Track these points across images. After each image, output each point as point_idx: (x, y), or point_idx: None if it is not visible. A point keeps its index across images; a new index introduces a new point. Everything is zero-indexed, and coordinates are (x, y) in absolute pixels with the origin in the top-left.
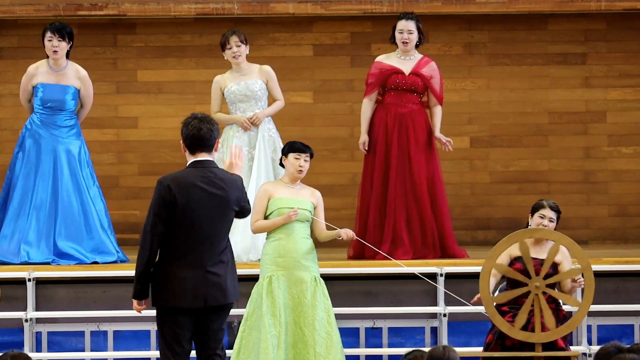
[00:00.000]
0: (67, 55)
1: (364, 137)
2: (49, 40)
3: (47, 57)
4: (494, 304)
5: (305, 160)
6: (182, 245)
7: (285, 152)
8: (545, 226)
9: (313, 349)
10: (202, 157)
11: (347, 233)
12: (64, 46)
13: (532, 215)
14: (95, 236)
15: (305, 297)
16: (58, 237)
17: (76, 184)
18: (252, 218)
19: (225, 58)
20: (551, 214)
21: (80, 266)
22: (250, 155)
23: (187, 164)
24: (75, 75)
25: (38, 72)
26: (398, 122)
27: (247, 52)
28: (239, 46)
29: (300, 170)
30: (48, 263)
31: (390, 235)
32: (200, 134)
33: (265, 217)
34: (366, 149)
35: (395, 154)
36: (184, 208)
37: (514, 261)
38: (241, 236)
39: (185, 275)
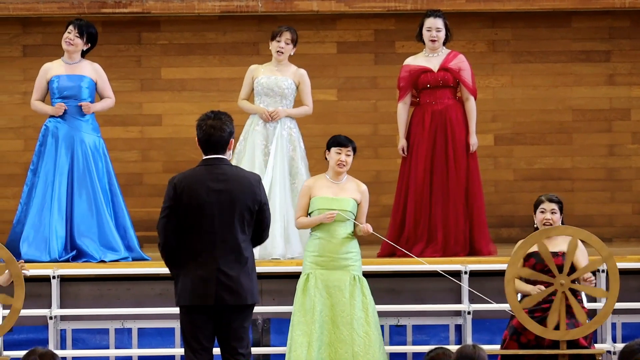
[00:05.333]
0: (83, 56)
1: (402, 142)
2: (68, 32)
3: (64, 54)
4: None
5: (347, 155)
6: (195, 243)
7: (328, 145)
8: (549, 219)
9: (351, 348)
10: (214, 155)
11: (363, 228)
12: (78, 42)
13: (535, 213)
14: (105, 233)
15: (343, 296)
16: (75, 233)
17: (90, 179)
18: (295, 214)
19: (269, 48)
20: (552, 206)
21: (104, 264)
22: (266, 149)
23: (199, 162)
24: (90, 67)
25: (53, 67)
26: (436, 120)
27: (292, 54)
28: (288, 44)
29: (340, 165)
30: (68, 260)
31: (426, 234)
32: (211, 139)
33: (308, 214)
34: (405, 153)
35: (437, 153)
36: (191, 206)
37: (527, 257)
38: (279, 235)
39: (197, 273)
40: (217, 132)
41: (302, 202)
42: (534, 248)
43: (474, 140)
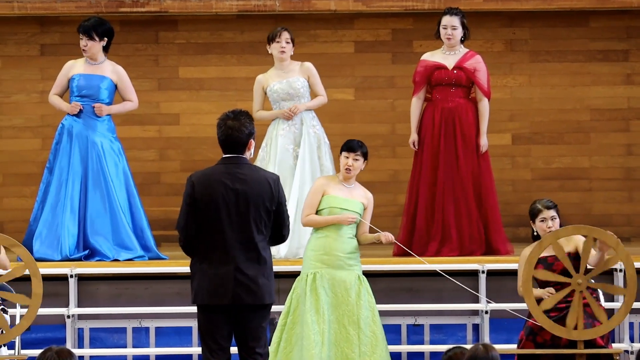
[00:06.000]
0: (107, 50)
1: (413, 136)
2: (80, 39)
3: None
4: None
5: (354, 159)
6: (211, 242)
7: (340, 150)
8: (551, 227)
9: (358, 348)
10: (233, 154)
11: (386, 237)
12: (92, 45)
13: (534, 222)
14: (119, 232)
15: (349, 296)
16: (88, 232)
17: (103, 179)
18: (303, 211)
19: (269, 52)
20: (551, 213)
21: (122, 262)
22: (295, 153)
23: (218, 160)
24: (111, 69)
25: (76, 65)
26: (445, 118)
27: (292, 53)
28: (288, 43)
29: (347, 169)
30: (80, 259)
31: (440, 232)
32: (230, 139)
33: (317, 212)
34: (416, 147)
35: (443, 150)
36: (207, 204)
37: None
38: (293, 237)
39: (213, 272)
40: (235, 133)
41: (314, 199)
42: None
43: (484, 141)
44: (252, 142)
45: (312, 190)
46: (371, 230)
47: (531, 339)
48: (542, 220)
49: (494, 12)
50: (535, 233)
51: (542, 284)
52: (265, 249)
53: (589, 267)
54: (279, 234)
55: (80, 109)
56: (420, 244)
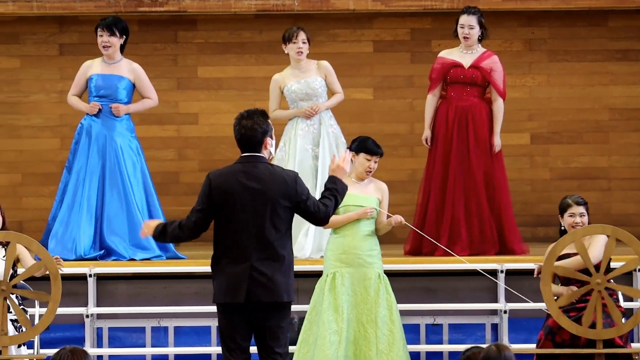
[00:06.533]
0: (122, 50)
1: (426, 133)
2: (100, 36)
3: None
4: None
5: (375, 162)
6: (229, 240)
7: (356, 149)
8: (578, 223)
9: (375, 346)
10: (250, 153)
11: (396, 219)
12: (114, 41)
13: (562, 216)
14: (136, 232)
15: (368, 294)
16: (105, 232)
17: (121, 178)
18: None
19: (285, 52)
20: (580, 209)
21: (141, 262)
22: (314, 153)
23: (237, 159)
24: (128, 68)
25: (93, 65)
26: (458, 116)
27: (308, 52)
28: (305, 43)
29: (369, 172)
30: (95, 259)
31: (448, 230)
32: (244, 139)
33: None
34: (429, 144)
35: (455, 148)
36: (224, 202)
37: (559, 258)
38: (313, 234)
39: (230, 270)
40: (249, 132)
41: None
42: (564, 251)
43: (497, 142)
44: (269, 140)
45: None
46: (387, 218)
47: (550, 338)
48: (571, 216)
49: (513, 11)
50: (562, 228)
51: (564, 282)
52: (283, 247)
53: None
54: (317, 222)
55: (99, 109)
56: (430, 242)
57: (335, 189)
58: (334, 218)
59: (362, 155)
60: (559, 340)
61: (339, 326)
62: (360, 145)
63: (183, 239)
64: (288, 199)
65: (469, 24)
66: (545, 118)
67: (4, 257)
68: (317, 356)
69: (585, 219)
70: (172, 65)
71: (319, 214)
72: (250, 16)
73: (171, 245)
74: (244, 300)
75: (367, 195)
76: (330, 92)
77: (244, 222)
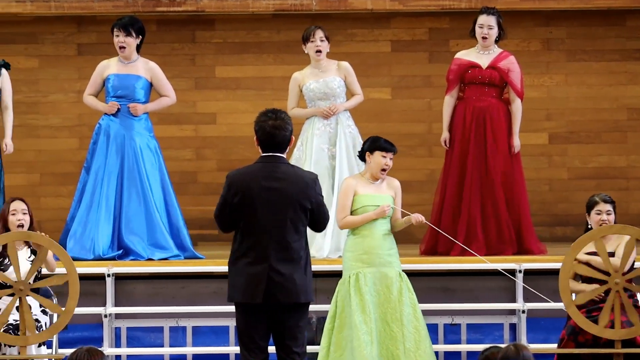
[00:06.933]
0: (139, 50)
1: (445, 134)
2: (116, 36)
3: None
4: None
5: (390, 159)
6: (247, 240)
7: (369, 148)
8: (605, 220)
9: (402, 345)
10: (272, 153)
11: (416, 218)
12: (130, 41)
13: (589, 214)
14: (154, 232)
15: (391, 294)
16: (123, 231)
17: (139, 177)
18: (338, 214)
19: (305, 52)
20: (607, 207)
21: (159, 262)
22: (330, 153)
23: (257, 159)
24: (144, 67)
25: (109, 65)
26: (476, 116)
27: (328, 50)
28: (323, 41)
29: (384, 170)
30: (114, 258)
31: (464, 230)
32: (275, 140)
33: (350, 213)
34: (447, 145)
35: (472, 149)
36: (244, 202)
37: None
38: (331, 234)
39: (248, 270)
40: (280, 132)
41: (347, 200)
42: (592, 248)
43: (517, 142)
44: (293, 139)
45: (343, 191)
46: (403, 215)
47: (572, 338)
48: (598, 213)
49: (531, 11)
50: (589, 226)
51: (585, 281)
52: (301, 247)
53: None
54: (320, 229)
55: (117, 108)
56: (446, 242)
57: None
58: (351, 219)
59: (377, 153)
60: (582, 340)
61: (369, 326)
62: (374, 144)
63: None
64: (308, 200)
65: (488, 24)
66: (563, 118)
67: (29, 257)
68: (356, 357)
69: (612, 217)
70: (190, 65)
71: (325, 221)
72: (268, 16)
73: (189, 245)
74: (262, 300)
75: (381, 194)
76: (350, 93)
77: (263, 222)
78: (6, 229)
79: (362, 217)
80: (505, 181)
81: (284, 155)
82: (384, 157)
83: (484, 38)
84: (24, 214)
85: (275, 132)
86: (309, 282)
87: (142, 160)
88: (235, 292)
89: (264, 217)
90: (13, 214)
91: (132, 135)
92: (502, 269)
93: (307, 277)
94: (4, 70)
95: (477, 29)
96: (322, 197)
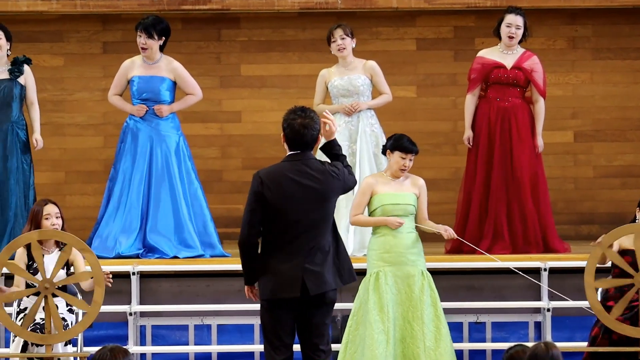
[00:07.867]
0: (162, 49)
1: (468, 133)
2: (139, 37)
3: None
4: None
5: (410, 160)
6: (279, 237)
7: (391, 146)
8: None
9: (423, 343)
10: (302, 150)
11: (447, 232)
12: (152, 44)
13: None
14: (181, 231)
15: (413, 292)
16: (148, 231)
17: (169, 178)
18: (352, 210)
19: (332, 52)
20: None
21: (183, 260)
22: (351, 150)
23: (284, 157)
24: (167, 67)
25: (133, 66)
26: (501, 117)
27: (354, 46)
28: (344, 39)
29: (403, 170)
30: (137, 256)
31: (492, 230)
32: (304, 139)
33: (370, 213)
34: (470, 144)
35: (497, 149)
36: (275, 200)
37: (621, 253)
38: (354, 231)
39: (282, 267)
40: (309, 131)
41: (363, 199)
42: (630, 245)
43: (540, 142)
44: (320, 139)
45: (361, 190)
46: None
47: (607, 337)
48: None
49: (556, 9)
50: (638, 220)
51: (617, 274)
52: (331, 239)
53: None
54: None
55: (146, 110)
56: (472, 242)
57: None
58: (360, 218)
59: (396, 153)
60: (615, 338)
61: (385, 325)
62: (395, 143)
63: (250, 245)
64: (342, 190)
65: (516, 23)
66: (588, 116)
67: None
68: (366, 356)
69: None
70: (216, 63)
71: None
72: (293, 14)
73: (217, 243)
74: (300, 293)
75: (403, 193)
76: (377, 92)
77: (296, 219)
78: None
79: (373, 220)
80: (532, 182)
81: (312, 153)
82: (403, 158)
83: (510, 37)
84: (57, 217)
85: (304, 130)
86: (345, 266)
87: (170, 158)
88: (269, 289)
89: (296, 214)
90: (47, 219)
91: (161, 135)
92: (525, 268)
93: (338, 268)
94: (26, 67)
95: (504, 27)
96: (346, 169)
